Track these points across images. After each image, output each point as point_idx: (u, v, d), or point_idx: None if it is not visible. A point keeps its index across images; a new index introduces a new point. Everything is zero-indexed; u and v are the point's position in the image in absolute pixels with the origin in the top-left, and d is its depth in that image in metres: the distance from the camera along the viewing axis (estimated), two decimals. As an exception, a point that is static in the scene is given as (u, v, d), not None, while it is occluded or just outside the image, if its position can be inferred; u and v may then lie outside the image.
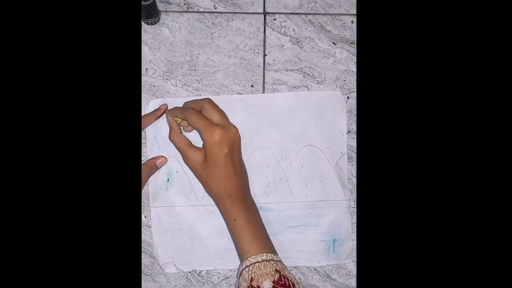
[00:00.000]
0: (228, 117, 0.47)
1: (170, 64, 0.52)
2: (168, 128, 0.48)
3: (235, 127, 0.46)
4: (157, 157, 0.50)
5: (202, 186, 0.48)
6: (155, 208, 0.50)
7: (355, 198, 0.51)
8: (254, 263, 0.42)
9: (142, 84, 0.51)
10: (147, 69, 0.51)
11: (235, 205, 0.44)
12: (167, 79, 0.52)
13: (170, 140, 0.47)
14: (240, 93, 0.52)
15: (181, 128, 0.48)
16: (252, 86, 0.52)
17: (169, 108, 0.50)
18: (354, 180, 0.51)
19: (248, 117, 0.51)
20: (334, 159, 0.51)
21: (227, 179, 0.45)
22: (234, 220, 0.44)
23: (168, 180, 0.50)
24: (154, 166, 0.49)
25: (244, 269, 0.42)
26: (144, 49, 0.52)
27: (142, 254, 0.50)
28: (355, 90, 0.52)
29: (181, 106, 0.49)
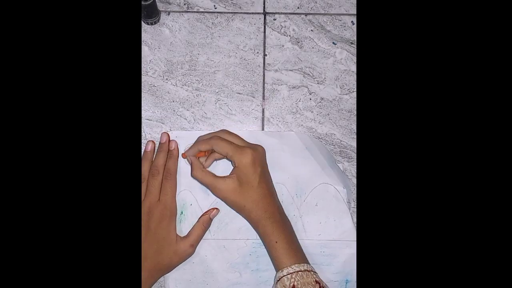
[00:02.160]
0: None
1: (170, 64, 0.52)
2: (183, 162, 0.49)
3: (261, 145, 0.46)
4: (209, 210, 0.49)
5: (216, 220, 0.49)
6: None
7: (355, 198, 0.51)
8: (297, 272, 0.42)
9: (142, 84, 0.51)
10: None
11: (275, 227, 0.44)
12: (167, 79, 0.52)
13: (194, 176, 0.47)
14: (240, 93, 0.52)
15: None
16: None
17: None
18: (354, 180, 0.51)
19: None
20: (350, 199, 0.50)
21: (264, 199, 0.45)
22: (276, 242, 0.44)
23: (182, 213, 0.50)
24: (208, 220, 0.49)
25: (285, 275, 0.42)
26: (144, 49, 0.52)
27: (142, 254, 0.50)
28: (355, 90, 0.52)
29: (193, 140, 0.50)
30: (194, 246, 0.48)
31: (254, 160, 0.44)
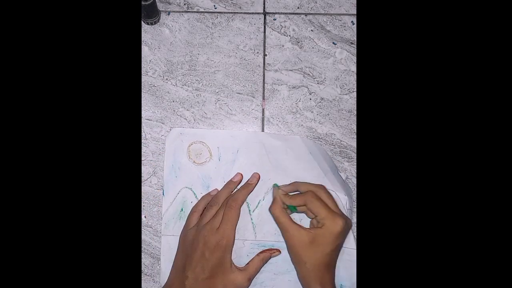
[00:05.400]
0: (247, 154, 0.49)
1: (170, 64, 0.52)
2: (186, 159, 0.49)
3: (349, 219, 0.45)
4: (271, 249, 0.48)
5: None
6: (166, 237, 0.50)
7: (355, 198, 0.51)
8: None
9: (142, 84, 0.51)
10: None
11: None
12: (167, 79, 0.52)
13: (271, 211, 0.46)
14: (240, 93, 0.52)
15: (286, 205, 0.47)
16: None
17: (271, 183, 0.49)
18: (354, 180, 0.51)
19: (267, 155, 0.50)
20: (350, 207, 0.50)
21: (324, 268, 0.44)
22: None
23: (182, 210, 0.50)
24: (269, 257, 0.48)
25: None
26: (144, 49, 0.52)
27: (142, 254, 0.50)
28: (355, 90, 0.52)
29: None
30: (250, 280, 0.47)
31: (341, 232, 0.43)
